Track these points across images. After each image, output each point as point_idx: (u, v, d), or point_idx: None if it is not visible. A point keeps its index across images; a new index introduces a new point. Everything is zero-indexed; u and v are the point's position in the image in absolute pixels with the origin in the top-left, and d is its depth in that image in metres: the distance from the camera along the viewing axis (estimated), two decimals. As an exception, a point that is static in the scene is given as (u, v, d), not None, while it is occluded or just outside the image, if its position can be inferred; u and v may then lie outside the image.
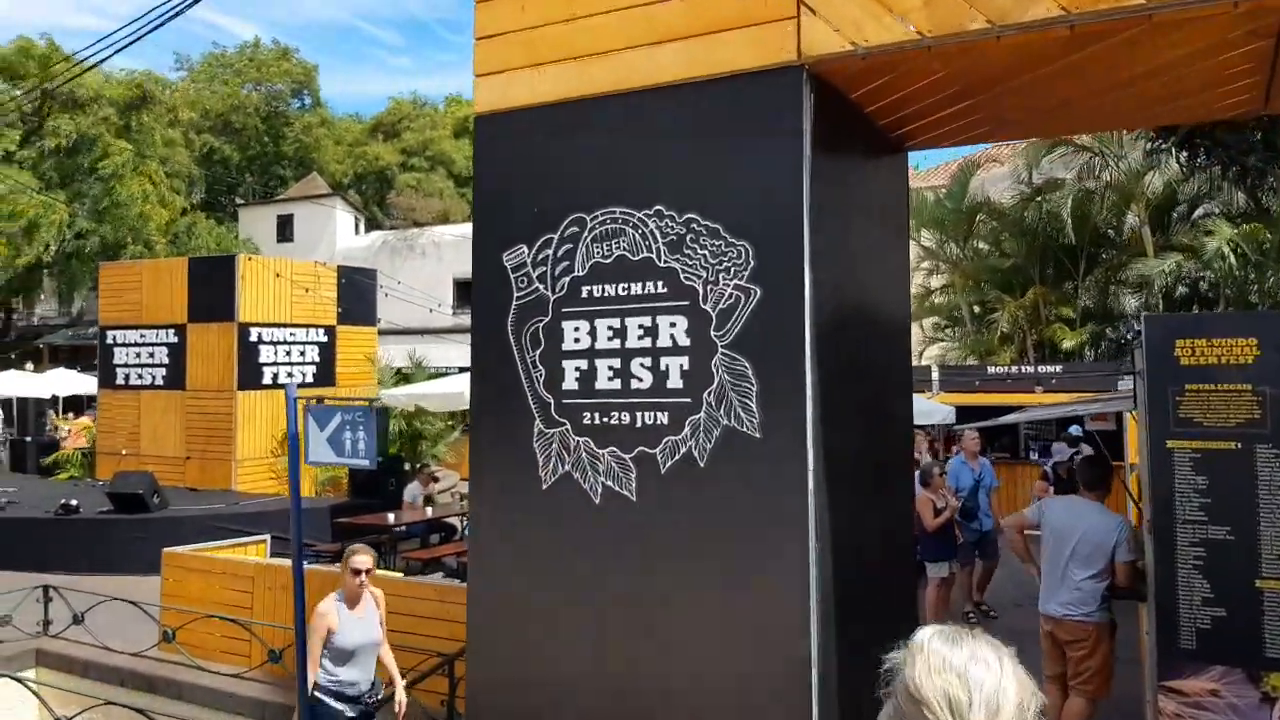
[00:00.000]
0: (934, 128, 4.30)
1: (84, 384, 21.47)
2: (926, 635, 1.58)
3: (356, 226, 34.43)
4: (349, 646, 5.03)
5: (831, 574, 3.34)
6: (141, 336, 16.52)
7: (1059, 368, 17.70)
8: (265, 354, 16.30)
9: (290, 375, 16.56)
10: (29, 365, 26.85)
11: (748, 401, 3.37)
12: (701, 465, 3.43)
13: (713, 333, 3.46)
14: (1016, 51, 3.35)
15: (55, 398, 22.43)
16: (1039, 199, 20.74)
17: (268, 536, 10.06)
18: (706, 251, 3.48)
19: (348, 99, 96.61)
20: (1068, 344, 19.70)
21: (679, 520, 3.46)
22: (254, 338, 16.13)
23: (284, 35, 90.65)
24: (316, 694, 5.00)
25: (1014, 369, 18.04)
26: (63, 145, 28.29)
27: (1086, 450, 12.02)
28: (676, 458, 3.48)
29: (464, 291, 27.80)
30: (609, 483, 3.61)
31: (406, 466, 15.53)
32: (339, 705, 5.00)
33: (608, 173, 3.71)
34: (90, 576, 10.73)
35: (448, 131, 41.51)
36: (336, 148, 41.32)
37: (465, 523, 10.98)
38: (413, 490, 13.02)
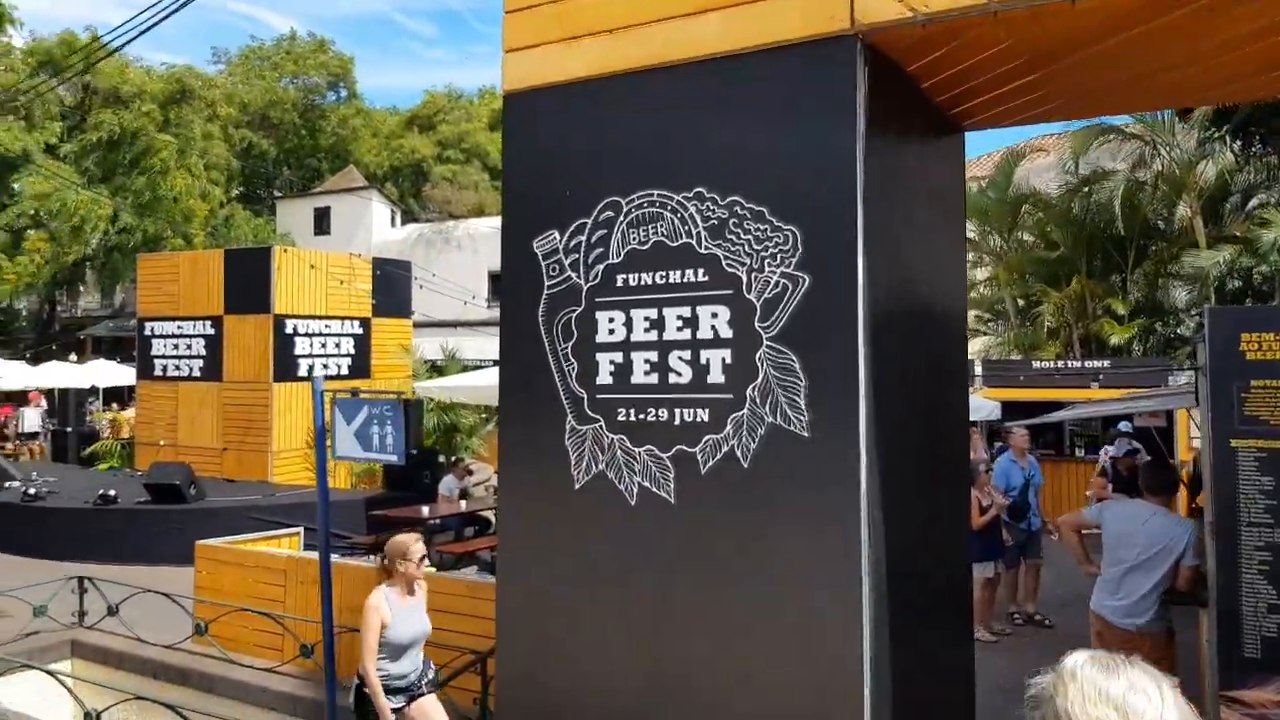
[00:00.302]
0: (995, 105, 4.02)
1: (124, 375, 21.68)
2: (1079, 662, 1.46)
3: (393, 219, 34.52)
4: (403, 640, 4.94)
5: (885, 583, 3.10)
6: (179, 328, 16.60)
7: (1107, 363, 17.19)
8: (301, 346, 16.30)
9: (325, 367, 16.56)
10: (72, 356, 27.20)
11: (795, 398, 3.13)
12: (745, 466, 3.19)
13: (757, 324, 3.22)
14: (1092, 18, 3.08)
15: (95, 389, 22.67)
16: (1086, 189, 20.20)
17: (301, 529, 10.00)
18: (751, 237, 3.24)
19: (383, 92, 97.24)
20: (1116, 339, 19.16)
21: (720, 524, 3.23)
22: (289, 330, 16.16)
23: (320, 28, 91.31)
24: (367, 691, 4.88)
25: (1060, 364, 17.57)
26: (104, 139, 28.57)
27: (1135, 447, 11.63)
28: (718, 457, 3.25)
29: (499, 284, 27.65)
30: (645, 483, 3.39)
31: (441, 459, 15.45)
32: (389, 699, 4.90)
33: (645, 153, 3.48)
34: (128, 567, 10.78)
35: (483, 124, 41.51)
36: (373, 140, 41.48)
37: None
38: (448, 483, 12.95)
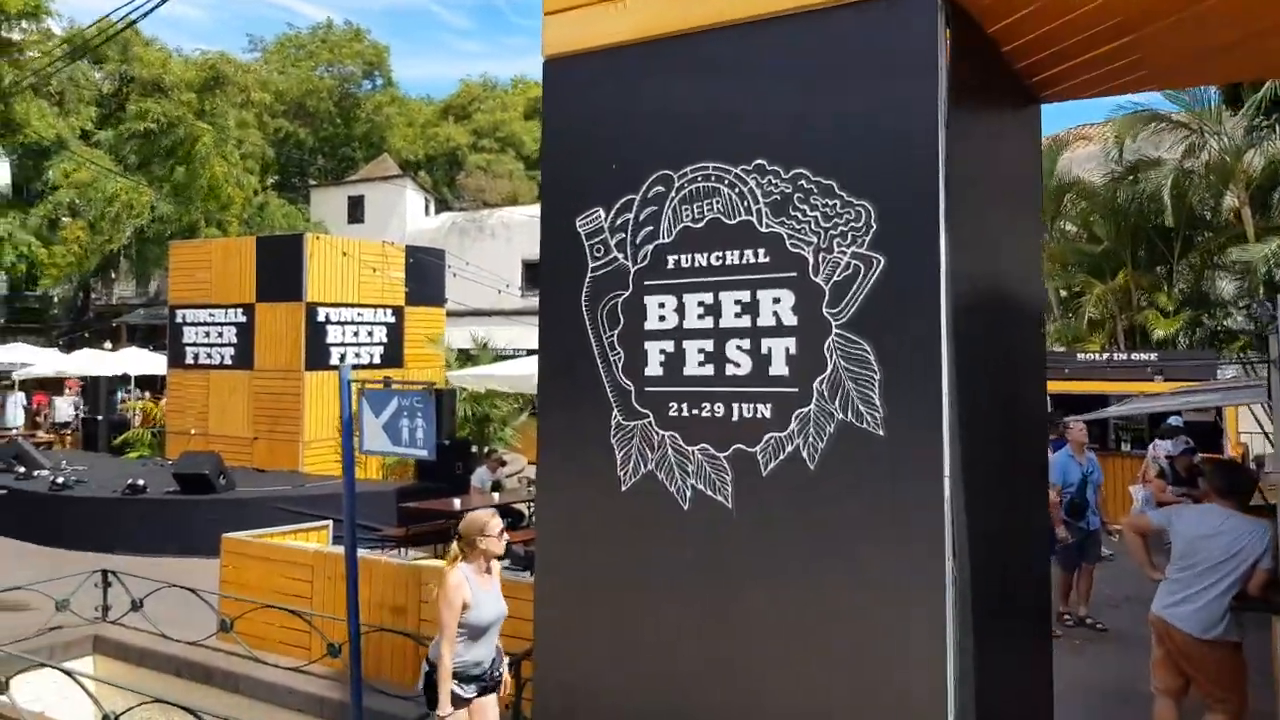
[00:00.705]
0: (1079, 72, 3.67)
1: (156, 363, 21.70)
2: None
3: (426, 208, 34.45)
4: (484, 622, 4.63)
5: (970, 598, 2.78)
6: (211, 316, 16.51)
7: (1154, 355, 16.66)
8: (333, 334, 16.17)
9: (357, 355, 16.41)
10: (107, 344, 27.34)
11: (869, 392, 2.81)
12: (811, 468, 2.88)
13: (825, 310, 2.90)
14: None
15: (127, 376, 22.73)
16: (1131, 178, 19.62)
17: (330, 522, 9.81)
18: (818, 213, 2.92)
19: (417, 83, 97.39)
20: (1161, 332, 18.61)
21: (784, 532, 2.92)
22: (321, 318, 16.01)
23: (355, 18, 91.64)
24: (436, 677, 4.61)
25: (1105, 356, 17.05)
26: (150, 129, 28.66)
27: (1191, 444, 11.18)
28: (781, 458, 2.94)
29: (532, 273, 27.66)
30: (700, 485, 3.09)
31: (474, 450, 15.25)
32: (460, 689, 4.59)
33: (700, 122, 3.17)
34: (155, 558, 10.65)
35: (518, 113, 41.35)
36: (408, 129, 41.46)
37: (532, 509, 10.65)
38: (480, 475, 12.76)
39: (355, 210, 34.05)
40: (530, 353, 17.84)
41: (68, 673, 6.45)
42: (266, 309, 16.06)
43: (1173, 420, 13.18)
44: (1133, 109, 19.37)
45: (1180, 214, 18.96)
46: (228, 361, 16.33)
